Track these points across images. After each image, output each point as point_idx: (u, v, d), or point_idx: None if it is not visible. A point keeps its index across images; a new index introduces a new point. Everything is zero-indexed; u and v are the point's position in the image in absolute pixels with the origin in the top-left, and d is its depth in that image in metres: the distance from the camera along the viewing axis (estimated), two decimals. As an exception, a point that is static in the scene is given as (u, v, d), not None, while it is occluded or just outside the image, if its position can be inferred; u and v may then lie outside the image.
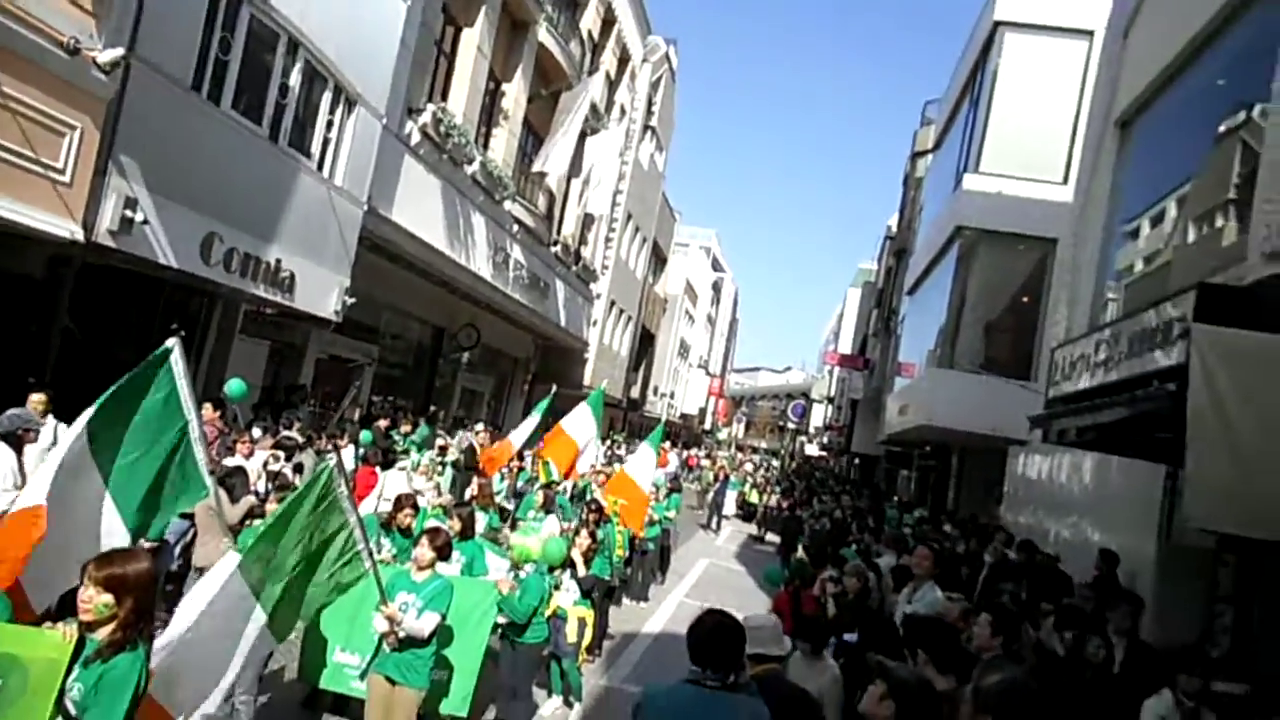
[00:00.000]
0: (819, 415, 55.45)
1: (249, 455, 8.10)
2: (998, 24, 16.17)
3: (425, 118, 13.05)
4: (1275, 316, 4.88)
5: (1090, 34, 14.45)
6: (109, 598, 2.89)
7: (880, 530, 12.83)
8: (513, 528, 9.05)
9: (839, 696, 4.89)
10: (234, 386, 8.86)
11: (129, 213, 7.46)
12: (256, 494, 7.16)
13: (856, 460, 36.58)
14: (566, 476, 11.04)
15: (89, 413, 3.95)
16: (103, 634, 2.90)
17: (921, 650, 3.89)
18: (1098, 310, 9.44)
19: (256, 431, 9.30)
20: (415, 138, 12.95)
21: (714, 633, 3.40)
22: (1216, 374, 4.20)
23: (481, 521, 8.29)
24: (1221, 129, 7.35)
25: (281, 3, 9.25)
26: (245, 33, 9.02)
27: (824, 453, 52.28)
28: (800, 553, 10.39)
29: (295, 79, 9.88)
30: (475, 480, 9.84)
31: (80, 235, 7.01)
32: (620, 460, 19.99)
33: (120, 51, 6.86)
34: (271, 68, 9.56)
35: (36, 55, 6.31)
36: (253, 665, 5.08)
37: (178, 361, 4.09)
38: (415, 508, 7.22)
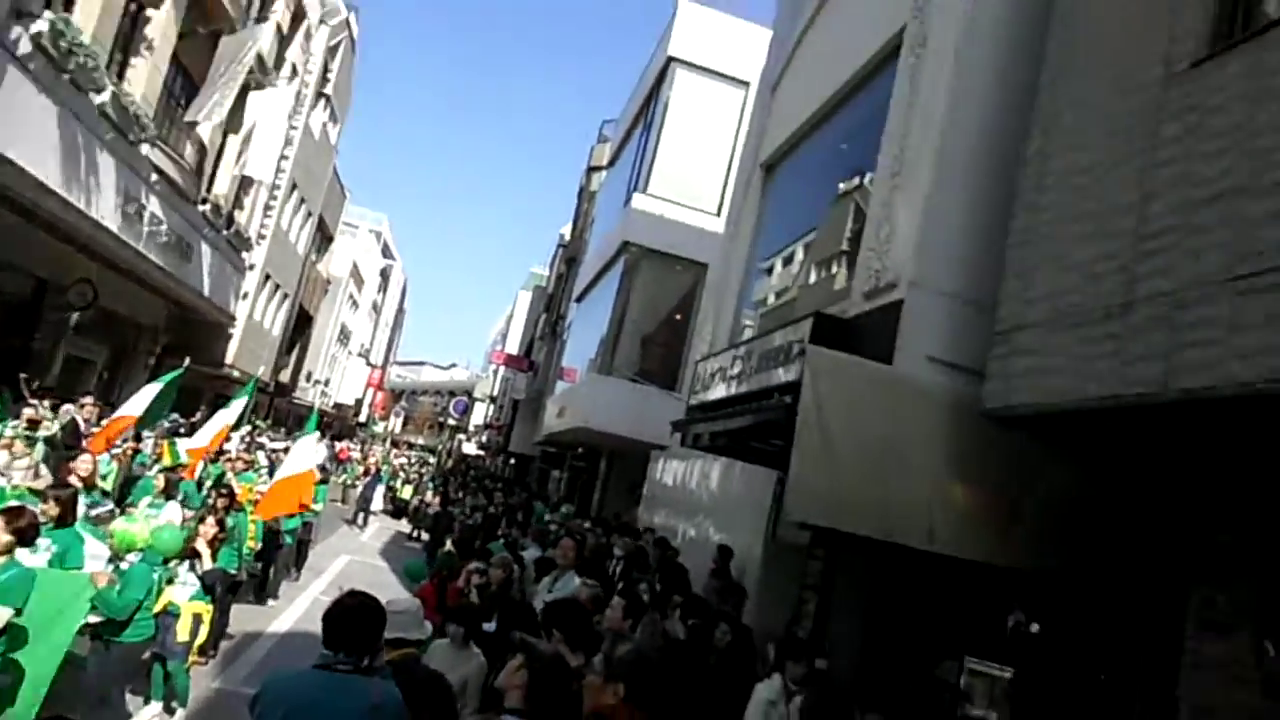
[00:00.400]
0: (480, 414, 55.68)
1: None
2: (671, 59, 17.55)
3: (40, 25, 10.92)
4: (869, 344, 5.83)
5: (747, 84, 16.23)
6: None
7: (528, 525, 13.16)
8: (123, 514, 7.87)
9: (482, 682, 4.93)
10: None
11: None
12: None
13: (513, 460, 37.27)
14: (192, 469, 9.89)
15: None
16: None
17: (556, 630, 4.03)
18: (737, 333, 10.57)
19: None
20: (25, 47, 10.79)
21: (353, 613, 3.26)
22: (822, 388, 4.90)
23: (79, 505, 7.10)
24: (841, 188, 8.62)
25: None
26: None
27: (482, 451, 52.57)
28: (449, 546, 10.32)
29: None
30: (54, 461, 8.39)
31: None
32: (261, 448, 18.36)
33: None
34: None
35: None
36: None
37: None
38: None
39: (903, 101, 6.76)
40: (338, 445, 32.01)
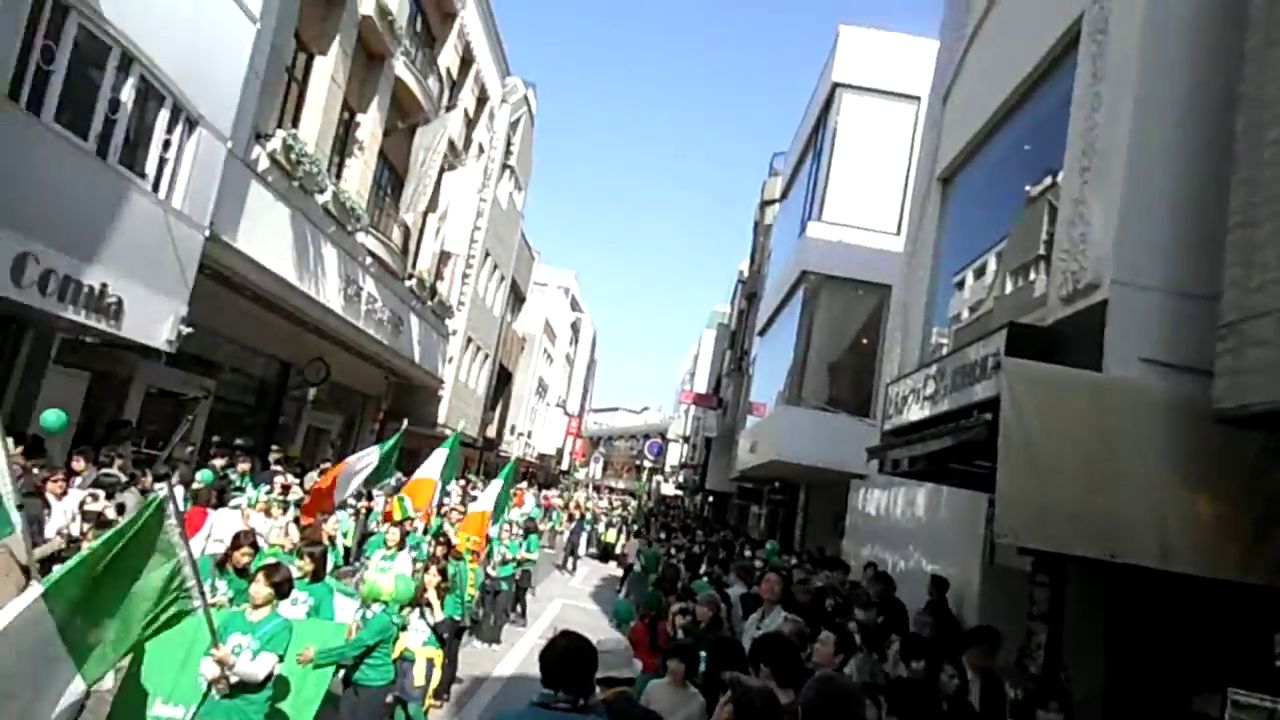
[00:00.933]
0: (675, 454, 56.39)
1: (61, 495, 7.42)
2: (836, 85, 17.38)
3: (274, 144, 12.57)
4: (1070, 352, 5.46)
5: (918, 99, 15.76)
6: None
7: (730, 562, 13.15)
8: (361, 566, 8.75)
9: None
10: (49, 418, 8.14)
11: (-73, 226, 6.77)
12: (69, 536, 6.58)
13: (710, 498, 37.39)
14: (425, 518, 10.76)
15: None
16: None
17: (765, 665, 4.03)
18: (928, 352, 10.18)
19: (79, 463, 8.53)
20: (263, 163, 12.44)
21: (566, 654, 3.42)
22: (1022, 402, 4.64)
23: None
24: (1029, 190, 8.17)
25: (115, 15, 8.72)
26: (72, 43, 8.44)
27: (680, 491, 53.13)
28: (652, 586, 10.51)
29: (128, 94, 9.30)
30: (302, 519, 9.37)
31: None
32: (475, 500, 19.61)
33: (-76, 52, 6.27)
34: (101, 81, 8.98)
35: None
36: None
37: None
38: (254, 546, 6.82)
39: (1086, 90, 6.36)
40: (542, 494, 33.52)
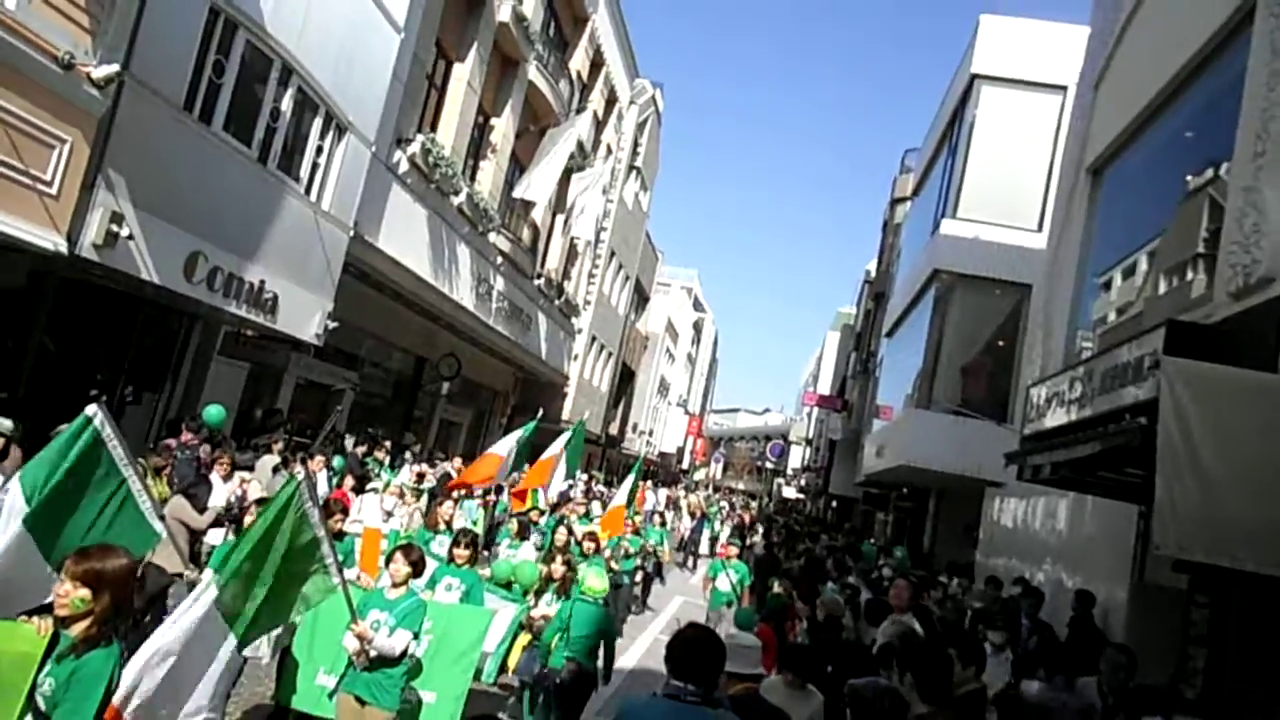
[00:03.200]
0: (797, 457, 55.51)
1: (226, 477, 8.04)
2: (975, 77, 16.64)
3: (414, 148, 13.18)
4: (1239, 352, 5.02)
5: (1064, 89, 14.90)
6: (86, 592, 2.85)
7: (854, 568, 12.82)
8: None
9: None
10: (211, 413, 8.87)
11: (114, 227, 7.45)
12: (231, 514, 7.15)
13: (834, 502, 36.59)
14: (552, 507, 11.10)
15: (16, 487, 3.93)
16: (77, 629, 2.85)
17: (910, 673, 3.89)
18: (1071, 354, 9.62)
19: (271, 456, 9.33)
20: (404, 167, 13.06)
21: (694, 646, 3.41)
22: (1185, 404, 4.30)
23: (443, 545, 8.26)
24: (1190, 182, 7.59)
25: (277, 30, 9.37)
26: (240, 57, 9.12)
27: (801, 495, 52.27)
28: (777, 589, 10.37)
29: (287, 105, 9.97)
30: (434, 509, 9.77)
31: (64, 248, 6.99)
32: (598, 498, 19.94)
33: (115, 68, 6.92)
34: (264, 93, 9.65)
35: (29, 68, 6.35)
36: (222, 685, 5.00)
37: (104, 425, 4.05)
38: (345, 512, 7.31)
39: (1262, 69, 5.84)
40: (664, 491, 33.66)
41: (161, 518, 4.56)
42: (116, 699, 3.28)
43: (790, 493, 57.17)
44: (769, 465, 58.09)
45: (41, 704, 2.76)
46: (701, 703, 3.30)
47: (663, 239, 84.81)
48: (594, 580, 6.98)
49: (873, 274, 33.79)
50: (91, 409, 4.09)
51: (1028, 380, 10.26)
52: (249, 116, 9.51)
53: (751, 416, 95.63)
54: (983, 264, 15.77)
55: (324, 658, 5.50)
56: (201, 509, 6.97)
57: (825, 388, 45.55)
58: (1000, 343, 15.95)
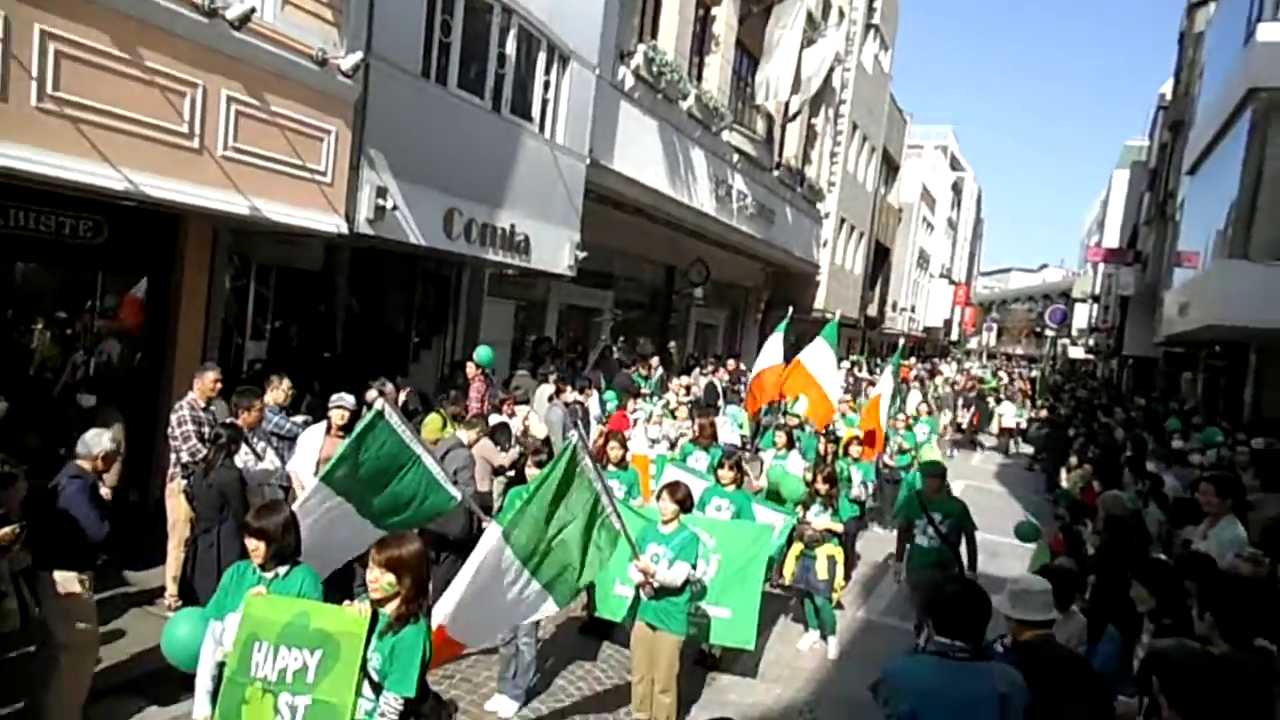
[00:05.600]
0: (1082, 316, 50.41)
1: (512, 414, 8.85)
2: None
3: (637, 60, 13.04)
4: None
5: None
6: (391, 577, 3.29)
7: (1154, 451, 11.45)
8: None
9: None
10: (482, 353, 9.67)
11: (381, 201, 8.19)
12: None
13: (1130, 361, 32.96)
14: (821, 425, 11.03)
15: (322, 474, 4.70)
16: (390, 609, 3.31)
17: (1210, 613, 3.45)
18: None
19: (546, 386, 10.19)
20: (629, 82, 13.01)
21: (958, 600, 3.27)
22: None
23: (704, 461, 8.51)
24: None
25: (490, -27, 9.55)
26: (462, 10, 9.44)
27: (1091, 356, 47.68)
28: (1065, 482, 9.63)
29: (511, 46, 10.23)
30: (696, 420, 10.00)
31: (345, 228, 7.81)
32: (863, 381, 19.52)
33: (360, 55, 7.44)
34: (488, 39, 9.96)
35: (292, 71, 7.01)
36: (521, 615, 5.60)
37: (391, 415, 4.64)
38: (622, 443, 7.66)
39: None
40: (926, 365, 32.18)
41: (455, 481, 5.14)
42: (439, 619, 3.91)
43: (1077, 353, 52.34)
44: (1049, 333, 53.30)
45: (374, 674, 3.25)
46: (971, 658, 3.17)
47: (909, 99, 78.36)
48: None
49: (1168, 98, 29.04)
50: (379, 403, 4.65)
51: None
52: (479, 67, 9.88)
53: (1026, 275, 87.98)
54: (1315, 75, 12.93)
55: (618, 570, 5.93)
56: (505, 448, 7.91)
57: (1113, 237, 40.47)
58: (1342, 170, 13.15)
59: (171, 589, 6.29)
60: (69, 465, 4.81)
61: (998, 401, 25.33)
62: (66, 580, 4.54)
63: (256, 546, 3.66)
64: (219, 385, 6.54)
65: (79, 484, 4.66)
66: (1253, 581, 4.14)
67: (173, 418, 6.33)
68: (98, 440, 4.83)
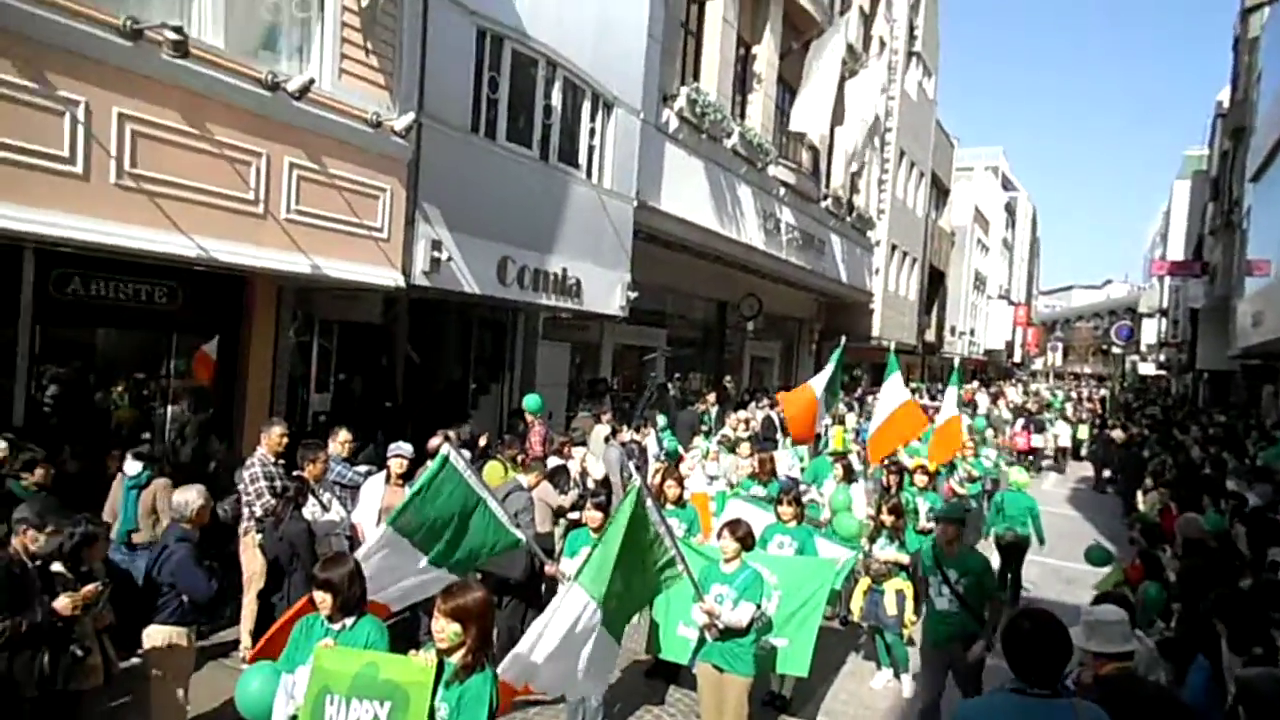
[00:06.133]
0: (1150, 331, 48.81)
1: (569, 456, 8.93)
2: None
3: (680, 102, 13.24)
4: None
5: None
6: (457, 626, 3.33)
7: (1234, 469, 10.98)
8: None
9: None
10: (531, 401, 9.79)
11: (436, 253, 8.44)
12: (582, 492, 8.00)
13: (1205, 376, 31.74)
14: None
15: (389, 519, 4.80)
16: (456, 658, 3.35)
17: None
18: None
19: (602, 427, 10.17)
20: (673, 124, 13.20)
21: (1033, 639, 3.15)
22: None
23: (762, 496, 8.42)
24: None
25: (536, 30, 9.84)
26: (509, 66, 9.74)
27: (1163, 371, 46.07)
28: (1143, 505, 9.28)
29: (556, 97, 10.49)
30: (756, 456, 9.92)
31: (401, 281, 8.06)
32: (924, 409, 19.11)
33: (412, 116, 7.74)
34: (534, 92, 10.24)
35: (348, 135, 7.31)
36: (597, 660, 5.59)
37: (457, 460, 4.78)
38: (679, 481, 7.65)
39: None
40: (992, 389, 31.44)
41: (517, 524, 5.21)
42: (507, 676, 3.91)
43: (1148, 369, 50.63)
44: (1116, 349, 51.70)
45: None
46: (1051, 695, 3.07)
47: (956, 122, 77.68)
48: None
49: (1225, 105, 28.27)
50: (445, 448, 4.76)
51: None
52: (526, 119, 10.15)
53: (1089, 292, 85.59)
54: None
55: (681, 613, 5.89)
56: (564, 491, 7.95)
57: (1177, 249, 39.28)
58: None
59: (246, 642, 6.42)
60: (172, 528, 5.07)
61: (1052, 423, 24.59)
62: (173, 635, 4.80)
63: (324, 599, 3.75)
64: (285, 440, 6.72)
65: (186, 547, 4.90)
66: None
67: (245, 473, 6.52)
68: (186, 502, 5.06)
